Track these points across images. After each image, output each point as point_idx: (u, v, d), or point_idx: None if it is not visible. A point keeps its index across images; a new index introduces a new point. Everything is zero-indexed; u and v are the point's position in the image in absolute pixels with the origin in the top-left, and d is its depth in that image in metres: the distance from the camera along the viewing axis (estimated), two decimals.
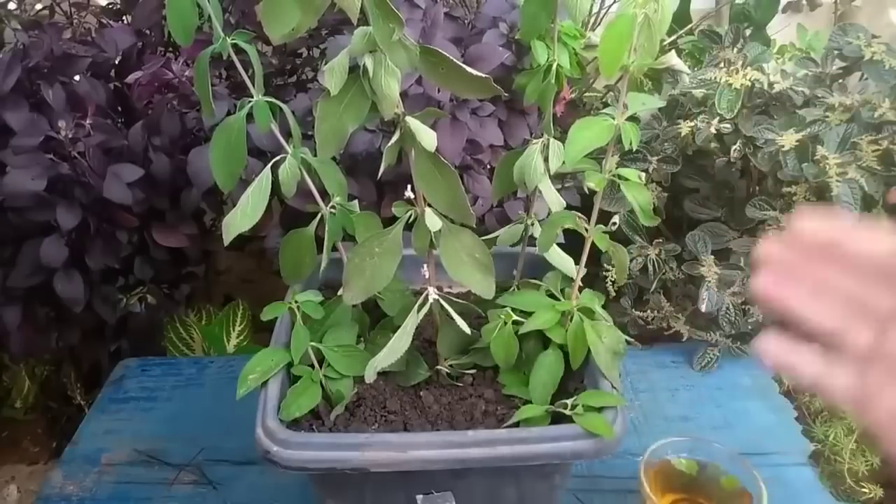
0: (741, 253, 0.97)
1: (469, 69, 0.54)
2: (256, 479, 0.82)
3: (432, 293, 0.64)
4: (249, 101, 0.59)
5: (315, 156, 0.62)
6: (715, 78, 0.96)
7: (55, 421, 1.41)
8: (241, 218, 0.61)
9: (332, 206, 0.67)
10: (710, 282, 0.93)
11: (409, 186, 0.60)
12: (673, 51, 0.61)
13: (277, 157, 0.63)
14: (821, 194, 0.92)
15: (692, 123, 0.95)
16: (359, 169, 0.97)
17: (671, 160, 0.99)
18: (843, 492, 0.90)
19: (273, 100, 0.60)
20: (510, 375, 0.69)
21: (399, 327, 0.63)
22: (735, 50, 1.04)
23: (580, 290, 0.70)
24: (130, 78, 1.01)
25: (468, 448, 0.59)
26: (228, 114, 0.81)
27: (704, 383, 0.97)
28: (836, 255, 0.31)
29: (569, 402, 0.62)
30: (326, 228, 0.67)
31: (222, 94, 0.99)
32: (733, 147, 0.93)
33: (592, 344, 0.65)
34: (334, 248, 0.69)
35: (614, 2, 1.23)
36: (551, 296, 0.72)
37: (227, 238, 0.61)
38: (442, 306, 0.65)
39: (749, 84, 0.93)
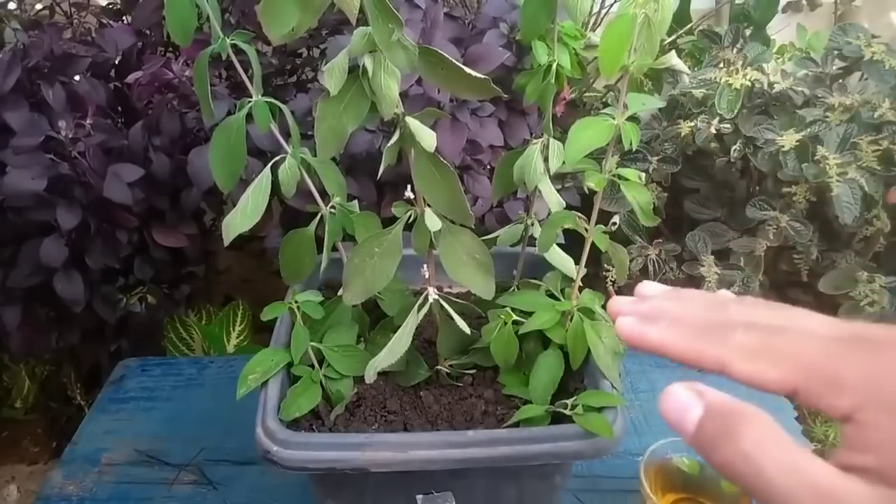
0: (741, 253, 0.97)
1: (468, 70, 0.54)
2: (256, 479, 0.82)
3: (432, 293, 0.64)
4: (249, 102, 0.59)
5: (315, 156, 0.62)
6: (715, 78, 0.96)
7: (55, 421, 1.41)
8: (241, 218, 0.61)
9: (332, 207, 0.67)
10: (710, 282, 0.93)
11: (408, 186, 0.60)
12: (673, 51, 0.61)
13: (277, 158, 0.63)
14: (821, 194, 0.92)
15: (692, 123, 0.95)
16: (359, 169, 0.97)
17: (671, 160, 0.99)
18: None
19: (273, 100, 0.60)
20: (510, 375, 0.69)
21: (399, 327, 0.63)
22: (735, 50, 1.04)
23: (580, 290, 0.70)
24: (130, 78, 1.01)
25: (468, 448, 0.59)
26: (228, 114, 0.81)
27: (705, 383, 0.97)
28: (679, 296, 0.36)
29: (569, 402, 0.62)
30: (326, 228, 0.66)
31: (222, 94, 0.99)
32: (733, 147, 0.94)
33: (592, 344, 0.65)
34: (334, 248, 0.69)
35: (614, 2, 1.23)
36: (551, 296, 0.72)
37: (227, 238, 0.61)
38: (442, 306, 0.65)
39: (749, 84, 0.93)
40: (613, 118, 0.60)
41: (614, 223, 0.69)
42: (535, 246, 0.71)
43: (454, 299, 0.66)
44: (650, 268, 0.98)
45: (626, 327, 0.34)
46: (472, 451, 0.58)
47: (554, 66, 0.66)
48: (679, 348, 0.32)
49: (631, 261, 0.98)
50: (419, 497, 0.62)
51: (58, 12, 1.29)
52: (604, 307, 0.70)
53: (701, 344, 0.31)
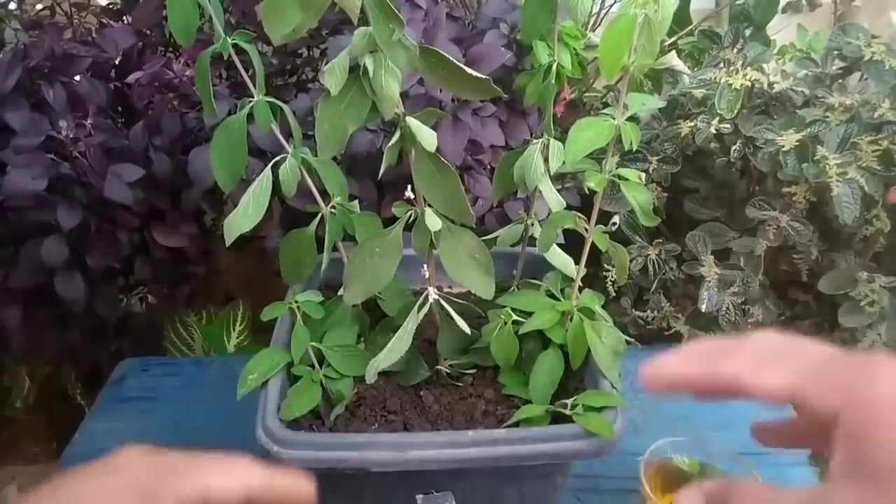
0: (741, 253, 0.97)
1: (468, 70, 0.54)
2: None
3: (432, 293, 0.64)
4: (250, 101, 0.59)
5: (315, 156, 0.62)
6: (715, 78, 0.96)
7: (55, 421, 1.41)
8: (242, 218, 0.61)
9: (333, 206, 0.67)
10: (710, 282, 0.93)
11: (409, 186, 0.60)
12: (673, 51, 0.62)
13: (278, 157, 0.63)
14: (821, 194, 0.92)
15: (692, 123, 0.95)
16: (359, 169, 0.97)
17: (671, 160, 0.99)
18: None
19: (274, 100, 0.60)
20: (510, 375, 0.69)
21: (399, 327, 0.63)
22: (735, 50, 1.04)
23: (580, 290, 0.70)
24: (131, 78, 1.01)
25: (468, 448, 0.59)
26: (229, 114, 0.81)
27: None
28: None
29: (569, 402, 0.62)
30: (327, 228, 0.67)
31: (223, 94, 0.99)
32: (733, 147, 0.94)
33: (592, 344, 0.65)
34: (334, 248, 0.69)
35: (614, 2, 1.23)
36: (551, 296, 0.72)
37: (229, 238, 0.61)
38: (442, 306, 0.65)
39: (749, 84, 0.93)
40: (613, 118, 0.60)
41: (614, 223, 0.69)
42: (535, 246, 0.71)
43: (454, 299, 0.66)
44: (650, 268, 0.98)
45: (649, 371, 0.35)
46: (472, 451, 0.58)
47: (554, 66, 0.66)
48: (696, 372, 0.35)
49: (631, 261, 0.98)
50: (419, 497, 0.62)
51: (58, 12, 1.29)
52: (604, 307, 0.70)
53: (715, 365, 0.34)
